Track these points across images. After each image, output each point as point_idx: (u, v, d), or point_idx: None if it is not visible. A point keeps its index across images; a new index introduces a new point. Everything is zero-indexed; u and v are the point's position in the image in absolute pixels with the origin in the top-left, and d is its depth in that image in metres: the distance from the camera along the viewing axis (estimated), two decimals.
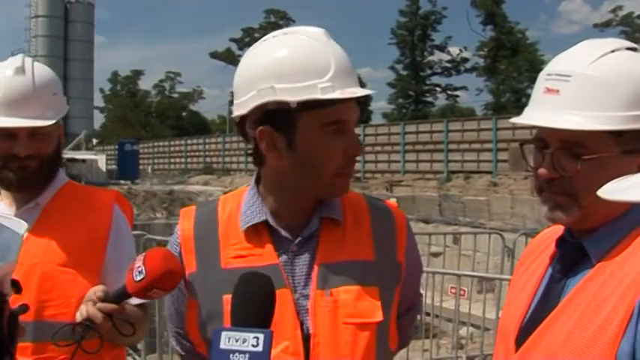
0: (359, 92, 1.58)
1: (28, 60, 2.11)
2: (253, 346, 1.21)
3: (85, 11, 52.14)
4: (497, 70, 45.29)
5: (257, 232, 1.67)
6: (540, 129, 1.46)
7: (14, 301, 0.77)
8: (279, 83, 1.55)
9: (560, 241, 1.53)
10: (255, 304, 1.32)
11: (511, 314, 1.58)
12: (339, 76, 1.56)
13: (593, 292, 1.36)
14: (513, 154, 24.10)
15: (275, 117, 1.57)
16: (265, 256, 1.64)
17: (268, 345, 1.22)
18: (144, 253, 1.56)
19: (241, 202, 1.72)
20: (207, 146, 43.58)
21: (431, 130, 29.45)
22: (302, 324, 1.59)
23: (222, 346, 1.23)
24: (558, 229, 1.58)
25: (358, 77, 1.67)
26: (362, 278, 1.64)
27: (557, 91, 1.42)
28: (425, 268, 6.63)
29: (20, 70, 2.07)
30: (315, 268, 1.63)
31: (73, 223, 2.13)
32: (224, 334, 1.24)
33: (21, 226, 0.86)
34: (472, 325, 7.27)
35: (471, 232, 9.95)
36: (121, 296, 1.59)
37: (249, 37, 55.91)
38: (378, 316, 1.62)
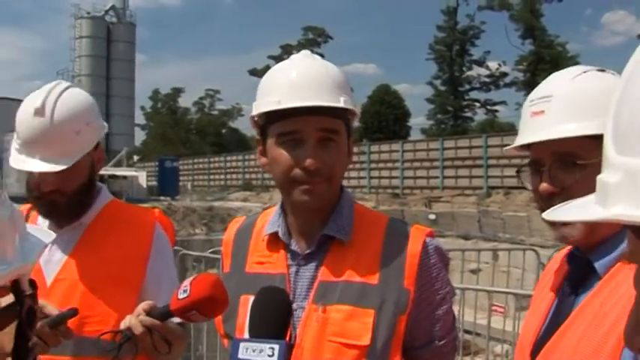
0: (308, 103, 1.65)
1: (51, 99, 2.09)
2: (269, 356, 1.27)
3: (127, 31, 53.24)
4: (536, 84, 44.14)
5: (276, 243, 1.80)
6: (534, 151, 1.55)
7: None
8: (256, 100, 1.76)
9: (570, 257, 1.58)
10: (272, 317, 1.38)
11: (528, 330, 1.63)
12: (293, 91, 1.67)
13: (599, 303, 1.39)
14: None
15: (260, 129, 1.77)
16: (278, 265, 1.77)
17: (283, 355, 1.27)
18: (195, 276, 1.62)
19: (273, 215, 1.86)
20: (246, 163, 43.87)
21: (470, 146, 29.27)
22: (292, 333, 1.64)
23: (240, 355, 1.28)
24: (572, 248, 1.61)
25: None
26: (359, 300, 1.67)
27: (542, 111, 1.53)
28: (461, 285, 6.61)
29: (40, 111, 2.06)
30: (316, 283, 1.71)
31: (114, 242, 2.18)
32: (242, 344, 1.29)
33: (49, 236, 0.97)
34: (508, 343, 7.20)
35: (507, 249, 9.84)
36: (164, 313, 1.63)
37: (287, 54, 55.92)
38: (365, 340, 1.64)
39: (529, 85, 45.33)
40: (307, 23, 62.50)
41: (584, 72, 1.54)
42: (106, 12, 52.83)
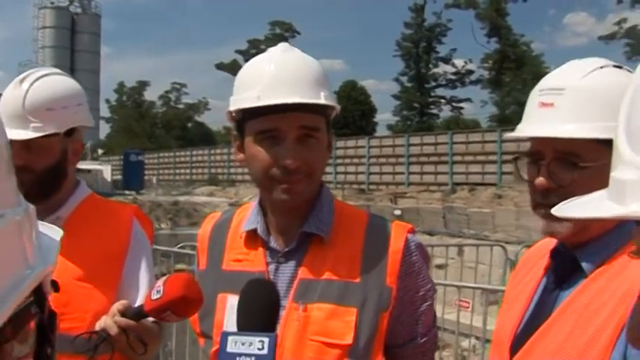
0: (288, 100, 1.60)
1: (35, 76, 2.15)
2: (259, 349, 1.27)
3: (92, 22, 52.58)
4: (501, 82, 45.33)
5: (254, 240, 1.76)
6: (535, 142, 1.52)
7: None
8: (233, 95, 1.73)
9: (554, 253, 1.58)
10: (261, 310, 1.38)
11: (505, 324, 1.62)
12: (272, 86, 1.63)
13: (586, 303, 1.40)
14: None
15: (237, 124, 1.74)
16: (256, 263, 1.73)
17: (273, 348, 1.27)
18: (168, 275, 1.60)
19: (250, 211, 1.82)
20: (212, 157, 43.59)
21: (435, 142, 29.40)
22: None
23: (228, 349, 1.28)
24: (552, 241, 1.61)
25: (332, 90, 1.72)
26: (340, 298, 1.65)
27: (552, 104, 1.48)
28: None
29: (19, 84, 2.12)
30: (296, 281, 1.68)
31: (91, 238, 2.15)
32: (230, 338, 1.29)
33: (57, 234, 0.92)
34: (475, 337, 7.28)
35: (474, 245, 9.94)
36: (138, 313, 1.62)
37: (254, 49, 56.03)
38: (348, 339, 1.62)
39: (494, 82, 45.86)
40: (275, 18, 62.27)
41: (601, 67, 1.50)
42: (71, 2, 52.09)
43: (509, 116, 42.65)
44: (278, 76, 1.65)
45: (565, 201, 0.68)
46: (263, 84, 1.64)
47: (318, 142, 1.68)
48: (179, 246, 6.73)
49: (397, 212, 20.46)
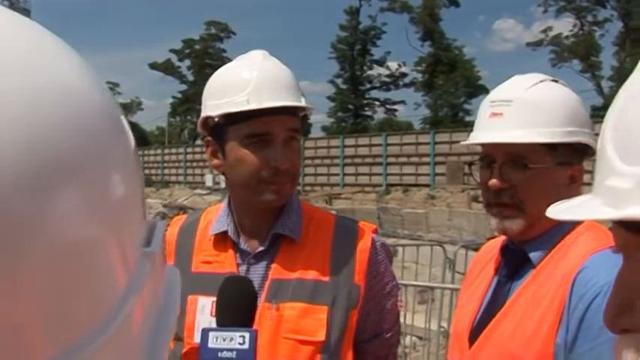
0: (278, 103, 1.67)
1: None
2: (240, 344, 1.32)
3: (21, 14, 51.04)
4: (434, 85, 46.02)
5: (224, 242, 1.79)
6: (487, 147, 1.70)
7: None
8: (209, 100, 1.75)
9: (504, 249, 1.73)
10: (241, 306, 1.43)
11: (463, 317, 1.76)
12: (258, 90, 1.68)
13: (534, 290, 1.56)
14: (450, 167, 24.62)
15: (214, 129, 1.75)
16: (227, 265, 1.76)
17: (254, 342, 1.33)
18: None
19: (219, 214, 1.84)
20: (145, 158, 42.94)
21: (370, 144, 29.63)
22: None
23: (210, 345, 1.33)
24: (498, 241, 1.79)
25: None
26: (312, 297, 1.70)
27: (501, 114, 1.66)
28: None
29: None
30: (268, 281, 1.73)
31: None
32: (211, 333, 1.34)
33: None
34: (415, 336, 7.46)
35: (414, 245, 10.14)
36: None
37: (189, 49, 55.45)
38: (320, 336, 1.68)
39: (427, 85, 46.55)
40: (210, 18, 61.72)
41: (541, 81, 1.68)
42: None
43: (442, 118, 43.44)
44: (265, 81, 1.69)
45: (556, 204, 0.77)
46: (251, 88, 1.67)
47: (298, 144, 1.77)
48: None
49: (332, 213, 20.56)
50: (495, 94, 1.72)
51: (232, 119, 1.71)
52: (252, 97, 1.67)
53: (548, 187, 1.60)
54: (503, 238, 1.76)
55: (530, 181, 1.61)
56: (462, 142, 1.82)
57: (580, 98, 1.73)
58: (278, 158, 1.68)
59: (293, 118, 1.74)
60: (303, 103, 1.74)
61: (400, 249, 10.33)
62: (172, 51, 57.67)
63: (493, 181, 1.65)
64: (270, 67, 1.74)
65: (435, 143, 26.32)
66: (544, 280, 1.56)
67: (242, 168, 1.71)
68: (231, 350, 1.33)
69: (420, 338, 7.40)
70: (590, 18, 45.15)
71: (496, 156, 1.66)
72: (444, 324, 6.44)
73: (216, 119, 1.73)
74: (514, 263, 1.69)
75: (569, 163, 1.65)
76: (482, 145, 1.72)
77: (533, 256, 1.63)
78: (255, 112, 1.67)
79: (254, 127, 1.69)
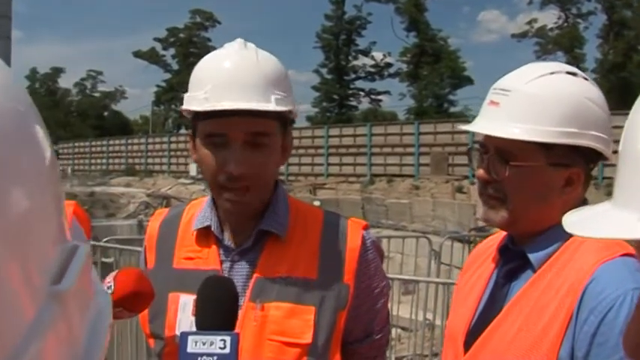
0: (235, 106, 1.55)
1: None
2: (220, 348, 1.26)
3: (2, 4, 50.47)
4: (419, 75, 45.99)
5: (207, 237, 1.72)
6: (484, 135, 1.61)
7: None
8: (188, 92, 1.66)
9: (503, 249, 1.66)
10: (221, 308, 1.36)
11: (458, 318, 1.68)
12: (221, 88, 1.58)
13: (536, 297, 1.48)
14: (435, 158, 24.65)
15: (191, 122, 1.69)
16: (209, 261, 1.69)
17: (235, 346, 1.27)
18: (117, 270, 1.56)
19: (203, 207, 1.77)
20: (129, 147, 42.68)
21: (354, 134, 29.64)
22: None
23: (189, 349, 1.27)
24: (499, 237, 1.71)
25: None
26: (299, 296, 1.63)
27: (498, 103, 1.57)
28: None
29: None
30: (252, 280, 1.65)
31: None
32: (190, 338, 1.28)
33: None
34: (400, 327, 7.45)
35: (400, 237, 10.13)
36: None
37: (173, 37, 55.07)
38: (307, 338, 1.61)
39: (412, 76, 46.52)
40: (195, 6, 61.21)
41: (551, 73, 1.57)
42: None
43: (427, 109, 43.45)
44: (228, 77, 1.59)
45: (570, 213, 0.70)
46: (212, 84, 1.58)
47: (269, 147, 1.62)
48: (105, 240, 6.59)
49: (316, 203, 20.55)
50: (501, 80, 1.62)
51: (197, 115, 1.64)
52: (211, 96, 1.58)
53: (536, 186, 1.53)
54: (501, 236, 1.70)
55: (515, 178, 1.53)
56: (461, 127, 1.76)
57: (599, 97, 1.58)
58: (232, 163, 1.58)
59: (258, 120, 1.59)
60: (271, 103, 1.58)
61: (385, 240, 10.31)
62: (157, 39, 57.37)
63: (480, 172, 1.60)
64: (242, 61, 1.62)
65: (420, 134, 26.37)
66: (547, 286, 1.48)
67: (203, 168, 1.65)
68: (211, 355, 1.27)
69: (405, 329, 7.38)
70: (574, 10, 45.21)
71: (489, 147, 1.59)
72: (429, 316, 6.42)
73: (185, 113, 1.67)
74: (513, 264, 1.62)
75: (566, 164, 1.54)
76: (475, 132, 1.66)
77: (533, 257, 1.55)
78: (215, 111, 1.57)
79: (212, 127, 1.61)
